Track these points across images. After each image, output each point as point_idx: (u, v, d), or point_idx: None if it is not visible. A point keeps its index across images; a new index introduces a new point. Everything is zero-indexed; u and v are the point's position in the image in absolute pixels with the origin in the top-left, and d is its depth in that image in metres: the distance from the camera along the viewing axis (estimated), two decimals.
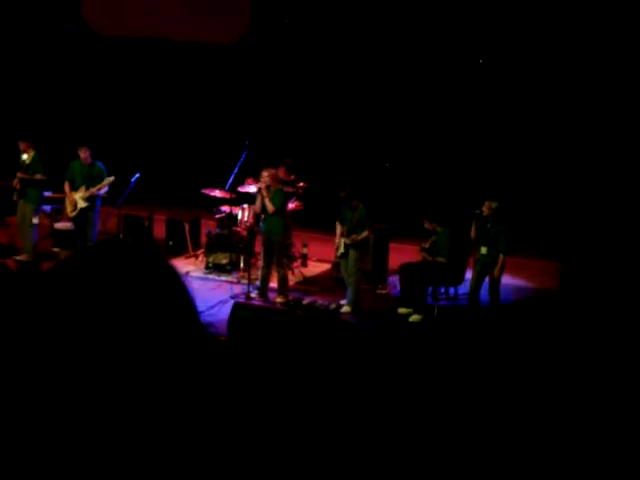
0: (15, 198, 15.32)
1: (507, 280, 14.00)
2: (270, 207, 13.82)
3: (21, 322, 1.46)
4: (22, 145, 15.23)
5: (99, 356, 1.41)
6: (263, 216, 14.22)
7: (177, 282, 1.54)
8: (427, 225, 13.81)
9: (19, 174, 15.10)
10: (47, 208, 16.69)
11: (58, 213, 16.62)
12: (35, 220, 15.51)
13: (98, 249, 1.54)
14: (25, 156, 15.16)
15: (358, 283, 13.83)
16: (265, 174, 13.98)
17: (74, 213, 15.14)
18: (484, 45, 18.48)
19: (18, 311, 1.48)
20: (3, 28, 21.50)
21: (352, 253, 13.72)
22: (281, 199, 14.02)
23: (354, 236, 13.65)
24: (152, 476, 1.43)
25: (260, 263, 14.45)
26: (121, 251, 1.53)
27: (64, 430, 1.40)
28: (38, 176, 15.13)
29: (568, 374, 9.99)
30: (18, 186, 15.13)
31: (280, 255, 14.16)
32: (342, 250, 13.80)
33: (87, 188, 14.99)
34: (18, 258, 15.15)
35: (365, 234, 13.76)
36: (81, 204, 15.01)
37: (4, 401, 1.44)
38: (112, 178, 15.08)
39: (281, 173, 15.10)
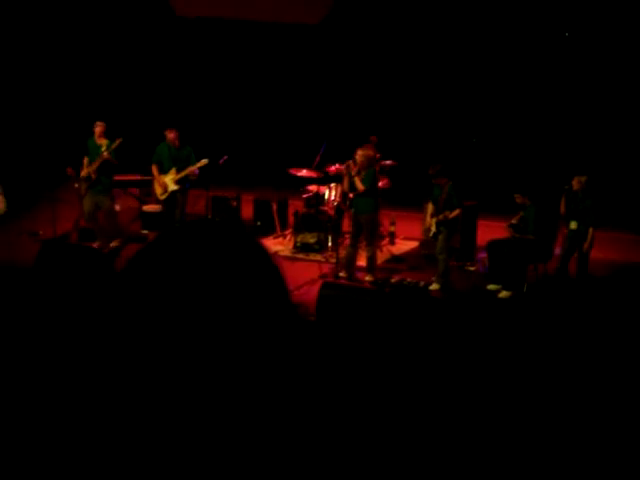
0: (77, 185, 15.06)
1: (596, 254, 13.82)
2: (360, 187, 13.71)
3: (114, 303, 1.50)
4: (99, 128, 14.90)
5: (191, 336, 1.43)
6: (351, 195, 14.15)
7: (268, 261, 1.55)
8: (518, 199, 13.57)
9: (96, 164, 14.65)
10: (134, 191, 16.85)
11: (147, 195, 16.72)
12: (117, 207, 15.59)
13: (188, 229, 1.56)
14: (100, 143, 14.88)
15: (447, 261, 13.74)
16: (360, 153, 13.90)
17: (164, 196, 15.18)
18: (569, 18, 18.23)
19: (111, 292, 1.52)
20: (87, 12, 21.82)
21: (442, 231, 13.60)
22: (372, 179, 13.91)
23: (446, 213, 13.50)
24: (251, 452, 1.48)
25: (348, 242, 14.43)
26: (211, 230, 1.55)
27: (169, 406, 1.46)
28: (114, 162, 14.80)
29: None
30: (94, 175, 14.73)
31: (371, 234, 14.03)
32: (434, 230, 13.69)
33: (177, 171, 15.06)
34: (112, 244, 15.10)
35: (456, 212, 13.57)
36: (172, 187, 15.05)
37: (106, 381, 1.50)
38: (206, 160, 15.05)
39: (370, 152, 14.95)
